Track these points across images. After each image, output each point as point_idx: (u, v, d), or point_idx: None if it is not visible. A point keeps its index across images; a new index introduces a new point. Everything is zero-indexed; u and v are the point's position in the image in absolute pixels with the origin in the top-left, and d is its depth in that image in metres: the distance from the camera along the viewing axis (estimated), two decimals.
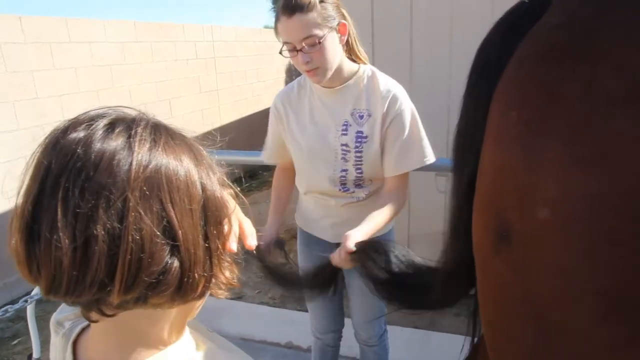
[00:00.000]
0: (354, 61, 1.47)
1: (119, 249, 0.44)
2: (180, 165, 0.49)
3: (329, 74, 1.37)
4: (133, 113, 0.52)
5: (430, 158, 1.47)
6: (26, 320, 1.96)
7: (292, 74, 8.91)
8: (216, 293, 0.55)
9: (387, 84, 1.45)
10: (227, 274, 0.56)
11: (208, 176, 0.52)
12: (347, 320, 1.85)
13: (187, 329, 0.59)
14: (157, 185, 0.47)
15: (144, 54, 5.13)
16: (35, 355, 1.97)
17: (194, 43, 6.00)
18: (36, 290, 1.86)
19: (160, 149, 0.48)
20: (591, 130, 0.50)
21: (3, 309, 1.87)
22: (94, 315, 0.49)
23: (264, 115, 7.18)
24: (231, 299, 3.40)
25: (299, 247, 1.77)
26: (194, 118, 5.88)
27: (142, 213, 0.45)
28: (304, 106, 1.51)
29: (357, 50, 1.47)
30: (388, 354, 1.88)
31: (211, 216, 0.52)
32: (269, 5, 12.04)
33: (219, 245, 0.53)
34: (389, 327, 1.86)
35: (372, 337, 1.79)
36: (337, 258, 1.26)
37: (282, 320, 2.85)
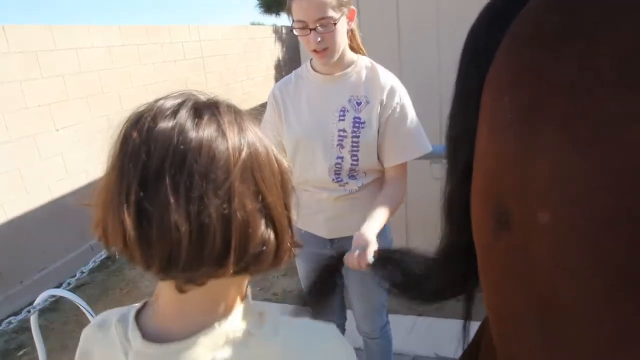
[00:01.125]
0: (353, 49, 1.49)
1: (230, 227, 0.50)
2: (262, 144, 0.55)
3: (336, 56, 1.40)
4: (202, 96, 0.56)
5: (429, 147, 1.50)
6: (30, 331, 1.95)
7: (281, 70, 8.88)
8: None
9: (386, 75, 1.48)
10: (292, 241, 0.60)
11: (277, 150, 0.58)
12: (349, 312, 1.85)
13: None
14: (250, 166, 0.52)
15: (131, 57, 5.09)
16: None
17: (181, 44, 5.97)
18: (38, 300, 1.86)
19: (246, 132, 0.54)
20: (583, 114, 0.50)
21: (6, 320, 1.86)
22: (189, 287, 0.53)
23: (255, 112, 7.19)
24: None
25: None
26: None
27: (244, 193, 0.51)
28: (302, 94, 1.52)
29: (357, 39, 1.50)
30: (391, 344, 1.88)
31: (285, 187, 0.57)
32: (254, 1, 11.95)
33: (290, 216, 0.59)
34: (391, 316, 1.86)
35: (375, 330, 1.80)
36: (353, 262, 1.25)
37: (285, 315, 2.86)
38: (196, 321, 0.55)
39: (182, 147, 0.49)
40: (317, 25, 1.31)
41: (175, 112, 0.52)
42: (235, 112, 0.55)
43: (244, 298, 0.60)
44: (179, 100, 0.54)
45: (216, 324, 0.55)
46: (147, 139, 0.49)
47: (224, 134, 0.51)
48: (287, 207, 0.57)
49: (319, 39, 1.33)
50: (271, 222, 0.54)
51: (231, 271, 0.51)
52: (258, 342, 0.56)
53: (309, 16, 1.31)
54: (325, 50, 1.36)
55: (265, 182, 0.53)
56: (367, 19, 2.72)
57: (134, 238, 0.48)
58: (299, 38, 1.39)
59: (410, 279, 1.07)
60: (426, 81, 2.62)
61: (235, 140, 0.52)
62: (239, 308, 0.59)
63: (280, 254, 0.56)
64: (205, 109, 0.53)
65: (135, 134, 0.50)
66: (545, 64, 0.54)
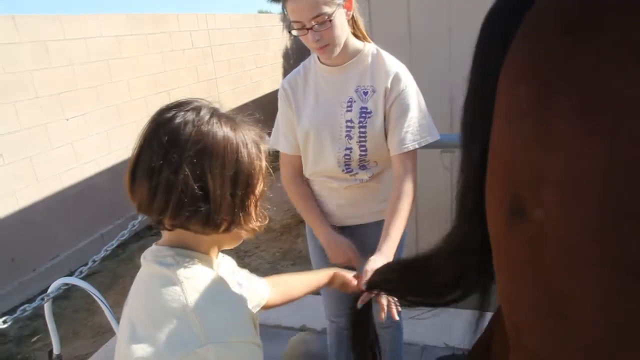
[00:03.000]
0: (358, 37, 1.47)
1: (171, 192, 0.72)
2: (223, 140, 0.75)
3: (338, 49, 1.38)
4: (205, 102, 0.79)
5: (435, 135, 1.47)
6: (44, 317, 1.98)
7: (289, 58, 8.84)
8: (241, 232, 0.83)
9: (392, 62, 1.46)
10: (254, 224, 0.82)
11: (245, 149, 0.77)
12: None
13: (220, 255, 0.90)
14: (201, 155, 0.73)
15: (139, 46, 5.10)
16: (55, 351, 2.00)
17: (189, 32, 5.96)
18: (52, 288, 1.88)
19: (212, 127, 0.75)
20: (602, 104, 0.49)
21: (21, 308, 1.89)
22: (163, 229, 0.78)
23: (263, 101, 7.16)
24: None
25: (308, 234, 1.75)
26: None
27: (189, 173, 0.72)
28: (310, 87, 1.51)
29: (360, 24, 1.47)
30: (402, 333, 1.89)
31: (242, 180, 0.76)
32: None
33: (246, 202, 0.79)
34: (401, 306, 1.86)
35: (386, 319, 1.80)
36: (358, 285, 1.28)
37: (294, 304, 2.86)
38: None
39: (159, 132, 0.73)
40: (314, 23, 1.29)
41: (178, 107, 0.76)
42: (212, 114, 0.76)
43: (207, 253, 0.83)
44: (190, 102, 0.78)
45: (181, 250, 0.80)
46: (145, 127, 0.76)
47: (186, 129, 0.73)
48: (236, 194, 0.76)
49: (317, 37, 1.31)
50: (205, 200, 0.73)
51: (171, 222, 0.75)
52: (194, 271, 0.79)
53: (303, 16, 1.29)
54: (326, 46, 1.35)
55: (211, 171, 0.73)
56: (377, 7, 2.70)
57: (128, 188, 0.76)
58: (300, 38, 1.37)
59: (420, 283, 1.05)
60: (437, 70, 2.61)
61: (195, 136, 0.73)
62: (198, 255, 0.82)
63: (210, 223, 0.75)
64: (197, 110, 0.76)
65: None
66: (563, 52, 0.53)
